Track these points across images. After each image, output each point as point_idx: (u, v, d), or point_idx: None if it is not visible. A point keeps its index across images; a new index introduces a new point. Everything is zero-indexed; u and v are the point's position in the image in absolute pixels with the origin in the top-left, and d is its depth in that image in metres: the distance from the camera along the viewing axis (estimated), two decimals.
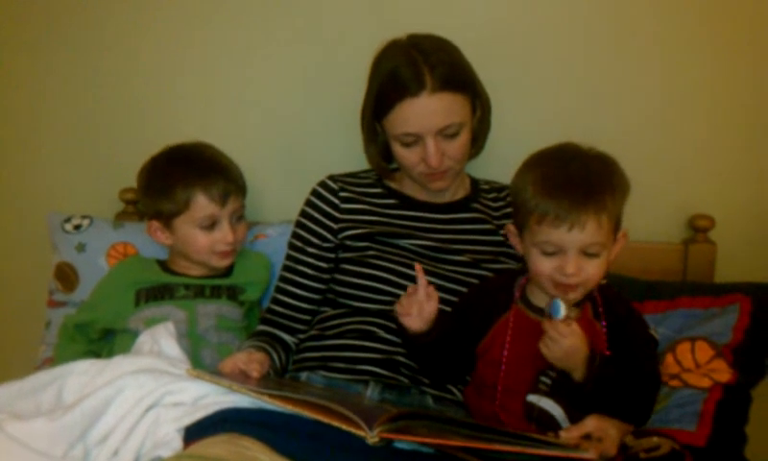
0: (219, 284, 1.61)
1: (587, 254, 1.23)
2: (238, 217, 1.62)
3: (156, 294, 1.57)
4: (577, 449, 1.17)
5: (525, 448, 1.09)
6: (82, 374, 1.22)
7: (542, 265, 1.25)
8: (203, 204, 1.55)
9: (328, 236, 1.53)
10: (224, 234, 1.57)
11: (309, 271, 1.53)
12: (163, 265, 1.64)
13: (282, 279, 1.57)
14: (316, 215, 1.55)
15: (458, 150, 1.45)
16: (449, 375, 1.41)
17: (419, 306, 1.28)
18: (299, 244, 1.56)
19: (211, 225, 1.57)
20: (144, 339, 1.33)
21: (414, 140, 1.44)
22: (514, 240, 1.34)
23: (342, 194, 1.56)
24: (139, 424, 1.15)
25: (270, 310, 1.57)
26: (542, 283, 1.28)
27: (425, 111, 1.40)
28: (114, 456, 1.14)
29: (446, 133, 1.43)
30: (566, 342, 1.21)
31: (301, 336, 1.54)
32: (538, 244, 1.25)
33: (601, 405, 1.25)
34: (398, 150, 1.47)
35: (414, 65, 1.41)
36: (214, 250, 1.58)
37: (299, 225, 1.57)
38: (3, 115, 1.93)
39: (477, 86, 1.50)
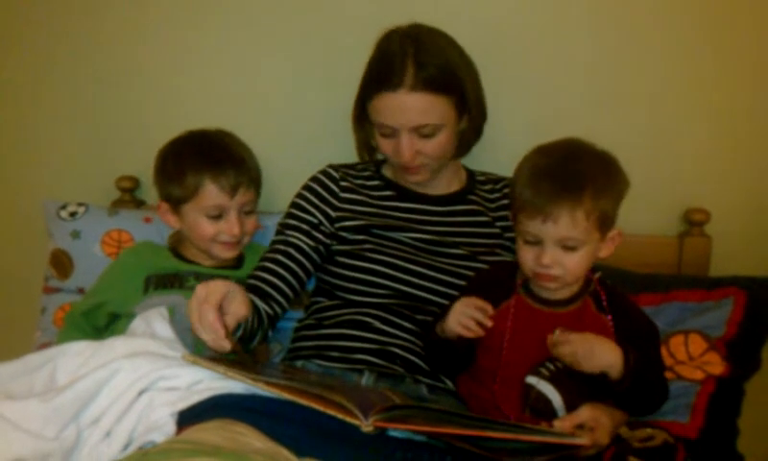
0: (229, 276, 1.55)
1: (565, 247, 1.24)
2: (248, 210, 1.59)
3: (166, 282, 1.55)
4: (570, 436, 1.17)
5: (519, 434, 1.10)
6: (76, 355, 1.21)
7: (524, 254, 1.27)
8: (211, 193, 1.54)
9: (325, 222, 1.53)
10: (230, 226, 1.55)
11: (302, 245, 1.50)
12: (175, 251, 1.62)
13: (270, 250, 1.52)
14: (314, 199, 1.54)
15: (433, 149, 1.45)
16: (457, 365, 1.39)
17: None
18: (293, 223, 1.53)
19: (218, 215, 1.55)
20: (138, 323, 1.33)
21: (390, 132, 1.44)
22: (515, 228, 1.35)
23: (342, 183, 1.56)
24: (132, 406, 1.15)
25: (251, 276, 1.49)
26: (525, 272, 1.29)
27: (401, 107, 1.40)
28: (107, 437, 1.14)
29: (422, 132, 1.43)
30: (577, 341, 1.21)
31: (277, 310, 1.46)
32: (521, 233, 1.27)
33: (623, 399, 1.25)
34: (378, 138, 1.49)
35: (401, 59, 1.40)
36: (217, 239, 1.56)
37: (295, 205, 1.55)
38: (0, 103, 1.92)
39: (468, 91, 1.47)
